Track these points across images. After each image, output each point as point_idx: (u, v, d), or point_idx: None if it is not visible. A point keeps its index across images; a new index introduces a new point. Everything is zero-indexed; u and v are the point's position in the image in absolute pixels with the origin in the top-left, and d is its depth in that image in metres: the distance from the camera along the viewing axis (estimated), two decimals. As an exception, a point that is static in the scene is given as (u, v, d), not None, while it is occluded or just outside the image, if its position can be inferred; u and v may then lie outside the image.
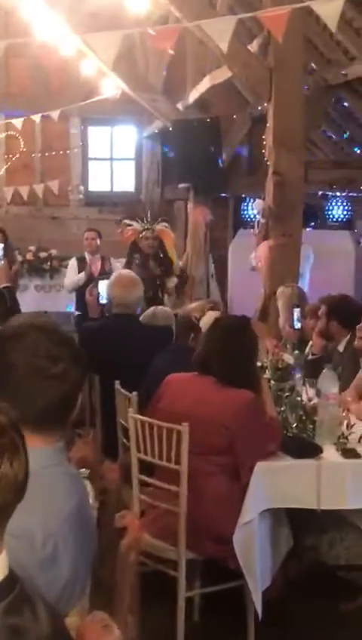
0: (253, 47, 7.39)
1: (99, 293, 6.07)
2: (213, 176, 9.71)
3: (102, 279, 6.67)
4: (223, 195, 11.18)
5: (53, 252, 11.57)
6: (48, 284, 11.32)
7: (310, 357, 5.25)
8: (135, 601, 3.79)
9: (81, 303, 8.35)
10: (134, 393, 4.07)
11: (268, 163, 7.14)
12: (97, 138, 12.87)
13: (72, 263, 9.08)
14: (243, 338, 3.78)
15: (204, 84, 9.08)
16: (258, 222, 7.27)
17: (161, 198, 12.56)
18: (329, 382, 3.90)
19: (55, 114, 10.48)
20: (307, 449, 3.69)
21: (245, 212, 12.17)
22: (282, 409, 4.07)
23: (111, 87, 10.20)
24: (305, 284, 8.83)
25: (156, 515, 3.68)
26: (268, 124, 7.14)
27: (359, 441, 3.88)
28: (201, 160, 9.48)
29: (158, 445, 3.62)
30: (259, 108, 8.56)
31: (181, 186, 10.27)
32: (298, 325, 5.82)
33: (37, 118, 11.20)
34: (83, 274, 8.68)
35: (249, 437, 3.58)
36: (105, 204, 12.62)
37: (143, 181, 12.67)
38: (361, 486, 3.67)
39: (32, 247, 11.45)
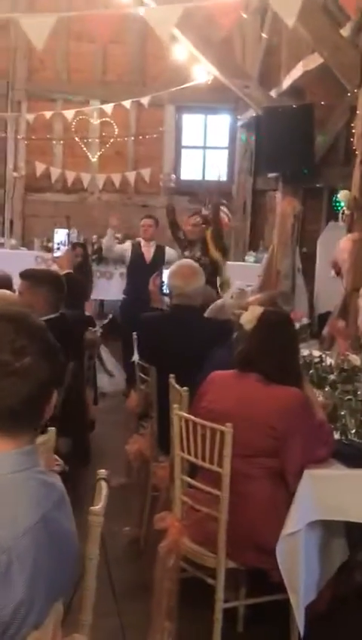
0: (346, 30, 7.05)
1: (163, 282, 5.91)
2: (303, 166, 9.39)
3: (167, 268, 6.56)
4: (317, 185, 10.80)
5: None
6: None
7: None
8: (173, 608, 3.62)
9: (129, 287, 8.79)
10: (185, 389, 3.87)
11: (357, 152, 6.81)
12: (191, 126, 12.70)
13: (128, 243, 9.31)
14: (286, 332, 3.58)
15: (298, 71, 8.80)
16: (342, 213, 6.94)
17: (254, 188, 12.33)
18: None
19: (145, 100, 10.36)
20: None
21: (340, 204, 11.76)
22: (342, 413, 3.81)
23: (204, 73, 10.01)
24: None
25: (198, 519, 3.46)
26: (357, 112, 6.81)
27: None
28: (291, 148, 9.16)
29: (201, 445, 3.40)
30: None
31: (270, 175, 9.98)
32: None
33: (127, 103, 11.16)
34: (122, 246, 9.18)
35: (298, 438, 3.32)
36: (197, 193, 12.45)
37: (236, 171, 12.43)
38: None
39: (119, 235, 11.36)
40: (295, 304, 10.06)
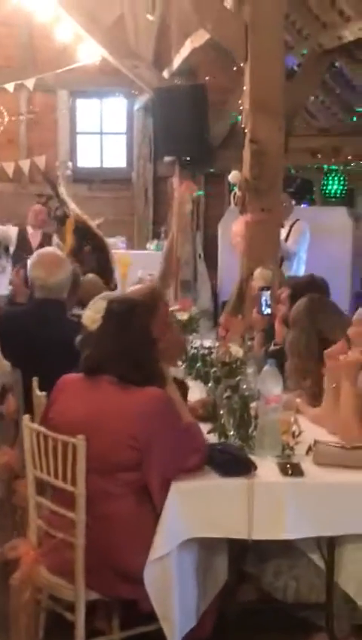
0: (228, 2, 6.67)
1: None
2: (199, 149, 8.99)
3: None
4: (212, 170, 10.44)
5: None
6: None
7: (271, 348, 4.58)
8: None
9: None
10: (43, 393, 3.43)
11: (246, 130, 6.44)
12: (86, 111, 12.19)
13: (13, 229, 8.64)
14: (135, 323, 3.06)
15: (186, 48, 8.40)
16: (234, 196, 6.58)
17: (155, 174, 11.90)
18: (270, 381, 3.21)
19: (30, 82, 9.82)
20: (236, 464, 3.00)
21: (233, 187, 11.42)
22: (221, 412, 3.41)
23: (91, 54, 9.53)
24: (301, 264, 8.16)
25: (54, 546, 3.01)
26: (244, 87, 6.44)
27: (306, 454, 3.21)
28: (185, 131, 8.75)
29: (54, 461, 2.97)
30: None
31: (167, 159, 9.56)
32: (267, 311, 5.15)
33: (10, 87, 10.60)
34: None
35: (162, 447, 2.90)
36: (95, 181, 11.97)
37: (135, 156, 11.98)
38: (304, 511, 2.99)
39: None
40: (197, 291, 9.72)
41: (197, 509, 2.94)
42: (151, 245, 10.86)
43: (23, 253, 8.10)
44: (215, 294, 10.15)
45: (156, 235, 11.36)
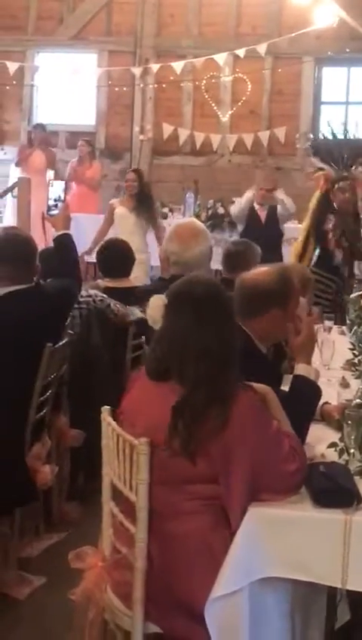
0: None
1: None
2: None
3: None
4: None
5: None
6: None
7: None
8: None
9: None
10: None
11: None
12: (332, 80, 11.52)
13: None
14: (221, 312, 2.50)
15: None
16: None
17: None
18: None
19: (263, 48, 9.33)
20: (337, 493, 2.41)
21: None
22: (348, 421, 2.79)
23: (328, 15, 8.87)
24: None
25: (117, 561, 2.60)
26: None
27: None
28: None
29: (123, 463, 2.55)
30: None
31: None
32: None
33: (262, 50, 10.18)
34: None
35: (247, 455, 2.39)
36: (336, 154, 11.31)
37: (381, 128, 11.14)
38: None
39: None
40: None
41: (279, 543, 2.38)
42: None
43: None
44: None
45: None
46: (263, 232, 7.49)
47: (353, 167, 7.42)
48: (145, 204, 7.82)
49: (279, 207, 7.96)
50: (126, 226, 7.70)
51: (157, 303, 2.46)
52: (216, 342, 2.43)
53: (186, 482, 2.43)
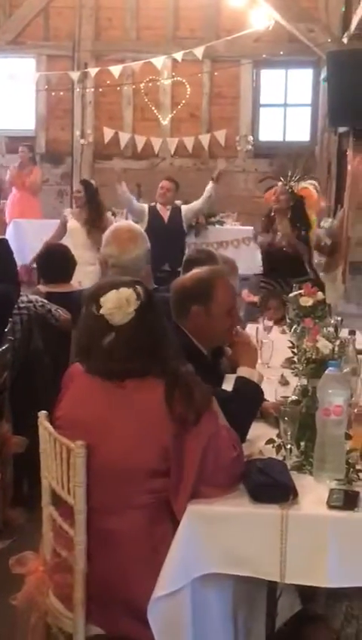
0: None
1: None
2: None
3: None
4: None
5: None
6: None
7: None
8: None
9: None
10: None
11: None
12: (270, 82, 11.63)
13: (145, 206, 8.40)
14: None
15: (362, 8, 7.64)
16: None
17: (339, 150, 11.15)
18: (331, 387, 2.60)
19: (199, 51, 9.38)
20: (273, 488, 2.43)
21: None
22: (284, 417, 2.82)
23: (263, 18, 8.96)
24: None
25: (59, 564, 2.59)
26: None
27: (375, 479, 2.58)
28: (361, 100, 8.00)
29: (60, 466, 2.54)
30: None
31: (340, 130, 8.85)
32: None
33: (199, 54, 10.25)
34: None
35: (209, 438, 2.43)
36: (277, 155, 11.41)
37: (319, 130, 11.29)
38: (352, 554, 2.37)
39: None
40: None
41: (218, 539, 2.40)
42: (325, 223, 10.15)
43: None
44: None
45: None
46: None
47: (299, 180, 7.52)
48: (95, 215, 7.73)
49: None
50: (78, 239, 7.66)
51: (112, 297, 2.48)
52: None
53: (142, 476, 2.42)
